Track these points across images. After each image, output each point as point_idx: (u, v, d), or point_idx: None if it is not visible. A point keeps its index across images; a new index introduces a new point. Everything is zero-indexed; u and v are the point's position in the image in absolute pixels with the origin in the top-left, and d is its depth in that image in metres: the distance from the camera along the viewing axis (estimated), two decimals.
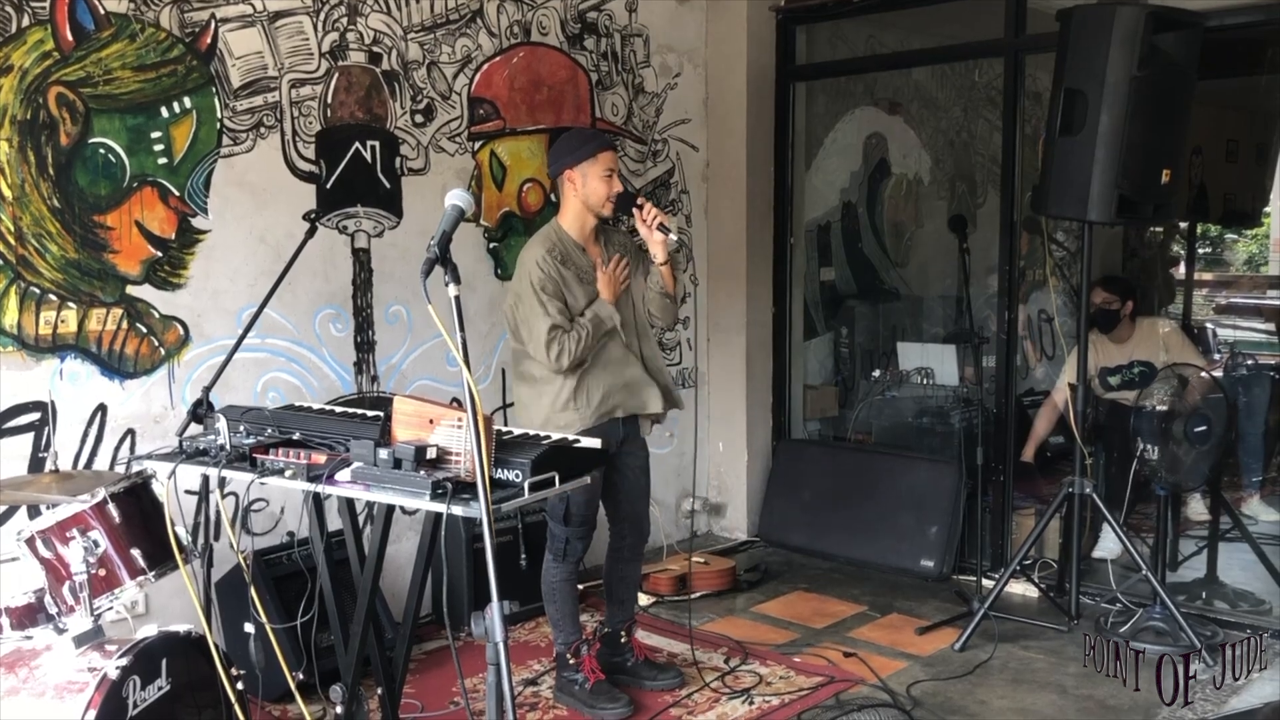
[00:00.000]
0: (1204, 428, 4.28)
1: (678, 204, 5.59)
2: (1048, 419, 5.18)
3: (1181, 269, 7.81)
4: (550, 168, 3.75)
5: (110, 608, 2.87)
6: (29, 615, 2.88)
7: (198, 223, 3.88)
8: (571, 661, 3.79)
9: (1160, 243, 7.44)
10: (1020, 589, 4.81)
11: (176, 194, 3.82)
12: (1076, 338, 4.54)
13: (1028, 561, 4.81)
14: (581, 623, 3.90)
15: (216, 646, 2.83)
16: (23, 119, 3.46)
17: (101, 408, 3.70)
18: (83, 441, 3.67)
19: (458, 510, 2.33)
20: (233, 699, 2.83)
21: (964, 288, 5.11)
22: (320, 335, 4.25)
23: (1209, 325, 7.62)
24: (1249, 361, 6.03)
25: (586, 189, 3.60)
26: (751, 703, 3.81)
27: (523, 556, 4.49)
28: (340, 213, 4.27)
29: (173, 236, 3.83)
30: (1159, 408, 4.34)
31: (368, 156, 4.32)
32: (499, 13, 4.72)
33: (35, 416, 3.56)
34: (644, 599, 4.78)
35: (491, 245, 4.81)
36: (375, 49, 4.32)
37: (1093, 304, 4.81)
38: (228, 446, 2.71)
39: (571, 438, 2.78)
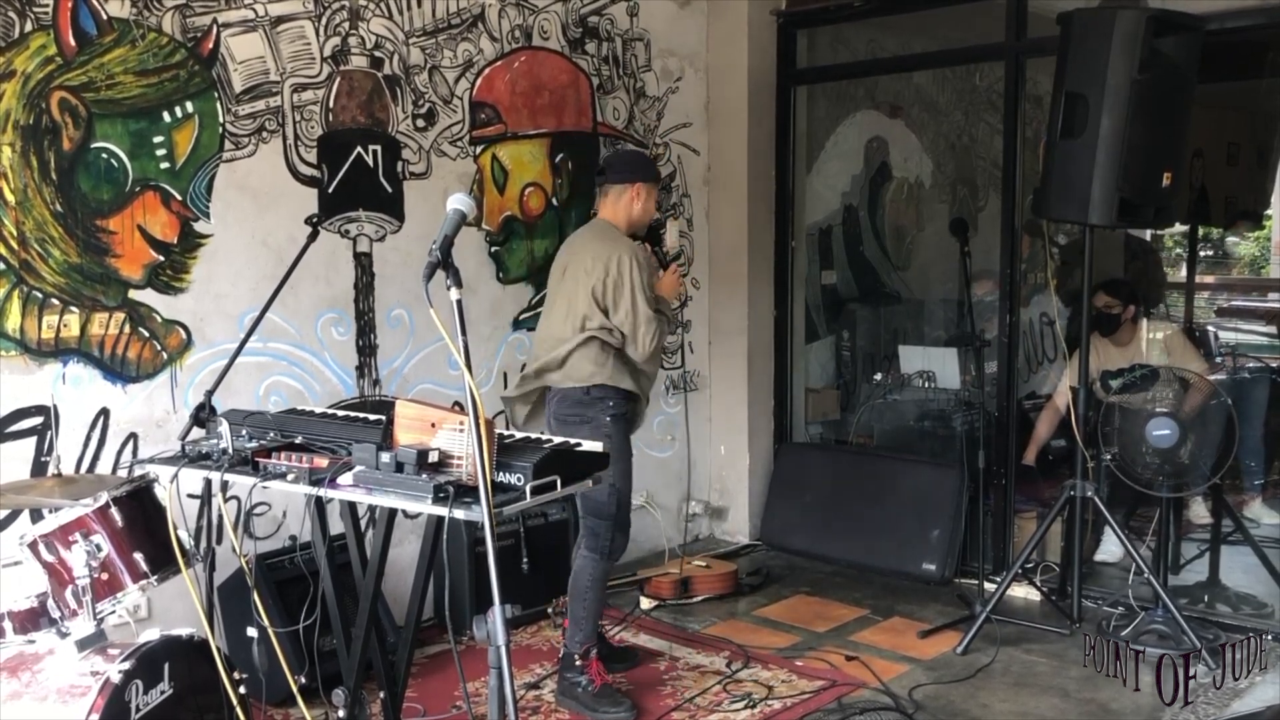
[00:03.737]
0: (1166, 432, 4.28)
1: (679, 208, 5.59)
2: (1049, 422, 5.17)
3: (1182, 272, 7.81)
4: (618, 173, 3.88)
5: (113, 611, 2.88)
6: (31, 619, 2.88)
7: (200, 227, 3.89)
8: (578, 663, 3.80)
9: (1138, 246, 7.42)
10: (1022, 592, 4.81)
11: (179, 198, 3.82)
12: (1078, 341, 4.54)
13: (1029, 565, 4.81)
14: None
15: (219, 650, 2.84)
16: (25, 124, 3.47)
17: (104, 412, 3.71)
18: (85, 445, 3.68)
19: (460, 514, 2.33)
20: (235, 703, 2.84)
21: (965, 291, 5.12)
22: (322, 339, 4.25)
23: (1210, 328, 7.60)
24: (1250, 364, 6.02)
25: (646, 206, 3.87)
26: (754, 706, 3.81)
27: (525, 560, 4.49)
28: (342, 217, 4.27)
29: (175, 241, 3.83)
30: (1159, 410, 4.34)
31: (369, 161, 4.33)
32: (500, 17, 4.73)
33: (38, 420, 3.56)
34: (645, 603, 4.79)
35: (493, 249, 4.81)
36: (377, 53, 4.32)
37: (1094, 307, 4.81)
38: (230, 450, 2.72)
39: (574, 441, 2.76)
